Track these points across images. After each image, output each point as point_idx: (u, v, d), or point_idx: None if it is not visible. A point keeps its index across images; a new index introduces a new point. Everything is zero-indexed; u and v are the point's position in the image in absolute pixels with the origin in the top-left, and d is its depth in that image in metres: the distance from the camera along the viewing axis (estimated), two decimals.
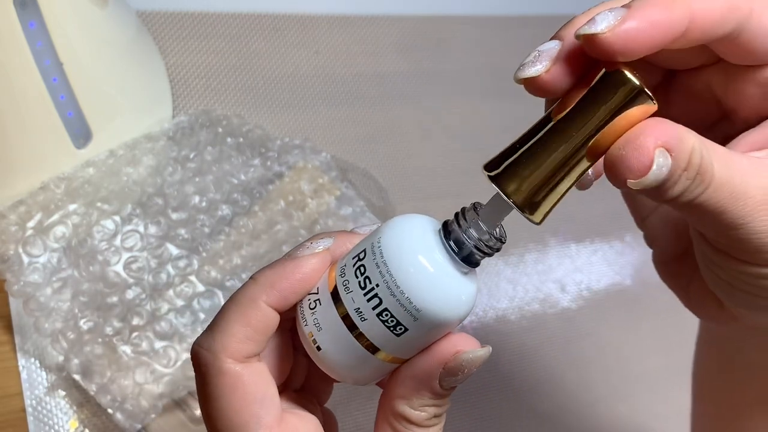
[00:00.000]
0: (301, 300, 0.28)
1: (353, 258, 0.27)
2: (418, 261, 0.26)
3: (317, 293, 0.28)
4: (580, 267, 0.70)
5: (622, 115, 0.24)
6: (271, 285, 0.27)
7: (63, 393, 0.48)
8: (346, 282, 0.27)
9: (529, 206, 0.26)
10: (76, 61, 0.49)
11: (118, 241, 0.51)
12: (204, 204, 0.53)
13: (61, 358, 0.48)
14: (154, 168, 0.54)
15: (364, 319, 0.26)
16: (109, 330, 0.48)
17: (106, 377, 0.47)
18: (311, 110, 0.65)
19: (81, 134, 0.52)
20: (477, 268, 0.27)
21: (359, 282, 0.26)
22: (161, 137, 0.55)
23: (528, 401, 0.63)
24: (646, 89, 0.24)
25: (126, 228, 0.51)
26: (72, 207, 0.50)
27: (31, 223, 0.49)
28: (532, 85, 0.26)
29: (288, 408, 0.29)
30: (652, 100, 0.24)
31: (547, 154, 0.25)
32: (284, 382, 0.31)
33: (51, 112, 0.49)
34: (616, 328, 0.69)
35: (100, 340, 0.48)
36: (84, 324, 0.48)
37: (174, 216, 0.52)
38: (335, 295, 0.27)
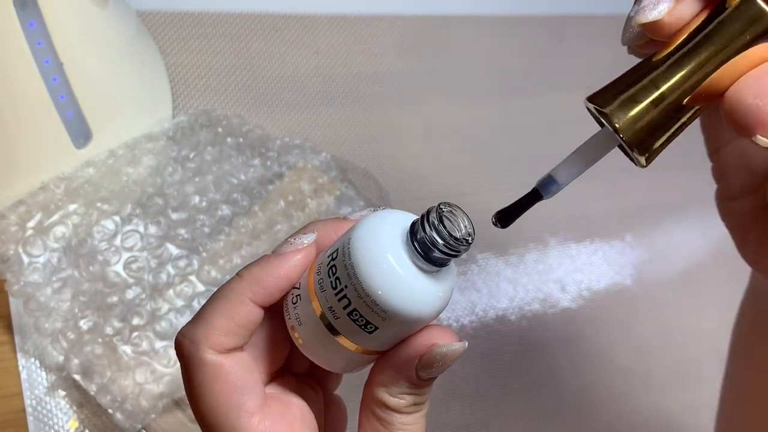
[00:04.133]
0: (287, 293, 0.29)
1: (328, 257, 0.27)
2: (383, 264, 0.26)
3: (299, 288, 0.28)
4: (580, 267, 0.70)
5: (749, 51, 0.22)
6: (256, 281, 0.28)
7: (63, 393, 0.48)
8: (321, 281, 0.27)
9: (638, 145, 0.24)
10: (76, 61, 0.49)
11: (118, 241, 0.51)
12: (204, 204, 0.53)
13: (61, 358, 0.48)
14: (154, 168, 0.54)
15: (337, 318, 0.27)
16: (109, 330, 0.48)
17: (106, 377, 0.47)
18: (311, 110, 0.65)
19: (81, 134, 0.52)
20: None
21: (331, 282, 0.27)
22: (161, 137, 0.55)
23: (528, 401, 0.63)
24: None
25: (126, 228, 0.51)
26: (72, 207, 0.50)
27: (31, 223, 0.49)
28: (653, 28, 0.24)
29: (277, 393, 0.30)
30: None
31: (664, 88, 0.23)
32: (284, 366, 0.31)
33: (51, 112, 0.49)
34: (617, 327, 0.69)
35: (100, 340, 0.47)
36: (84, 324, 0.48)
37: (174, 216, 0.52)
38: (312, 293, 0.27)
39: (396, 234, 0.26)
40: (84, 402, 0.49)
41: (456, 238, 0.25)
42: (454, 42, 0.74)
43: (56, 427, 0.48)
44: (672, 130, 0.24)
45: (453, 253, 0.26)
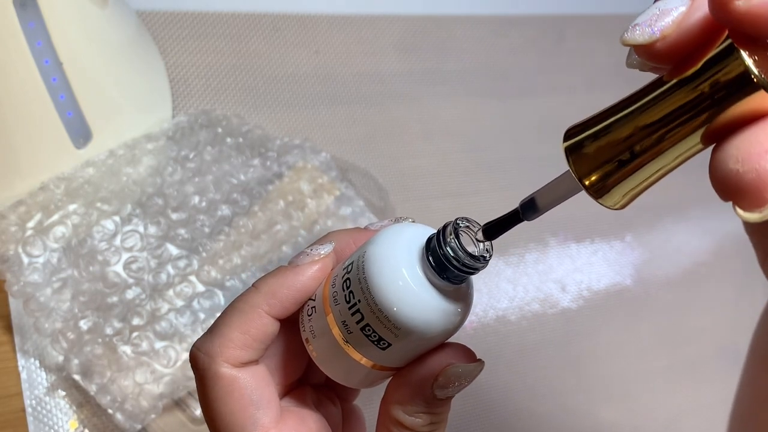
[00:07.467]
0: (303, 305, 0.28)
1: (343, 269, 0.27)
2: (397, 280, 0.25)
3: (315, 300, 0.28)
4: (580, 267, 0.70)
5: (738, 104, 0.19)
6: (272, 294, 0.27)
7: (63, 393, 0.48)
8: (336, 294, 0.26)
9: (599, 191, 0.22)
10: (76, 61, 0.49)
11: (118, 241, 0.51)
12: (204, 204, 0.53)
13: (61, 358, 0.48)
14: (153, 168, 0.54)
15: (350, 332, 0.26)
16: (109, 330, 0.48)
17: (106, 377, 0.47)
18: (311, 110, 0.65)
19: (81, 134, 0.52)
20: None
21: (345, 296, 0.26)
22: (161, 137, 0.55)
23: (528, 401, 0.63)
24: (764, 82, 0.18)
25: (126, 228, 0.51)
26: (72, 207, 0.50)
27: (31, 223, 0.49)
28: (642, 52, 0.21)
29: (293, 407, 0.29)
30: None
31: (634, 132, 0.21)
32: (301, 377, 0.31)
33: (51, 112, 0.49)
34: (616, 328, 0.69)
35: (100, 340, 0.47)
36: (84, 324, 0.48)
37: (174, 216, 0.52)
38: (326, 305, 0.27)
39: (412, 249, 0.25)
40: (84, 402, 0.49)
41: (472, 255, 0.24)
42: (454, 42, 0.74)
43: (56, 427, 0.48)
44: (648, 175, 0.22)
45: (469, 270, 0.25)
